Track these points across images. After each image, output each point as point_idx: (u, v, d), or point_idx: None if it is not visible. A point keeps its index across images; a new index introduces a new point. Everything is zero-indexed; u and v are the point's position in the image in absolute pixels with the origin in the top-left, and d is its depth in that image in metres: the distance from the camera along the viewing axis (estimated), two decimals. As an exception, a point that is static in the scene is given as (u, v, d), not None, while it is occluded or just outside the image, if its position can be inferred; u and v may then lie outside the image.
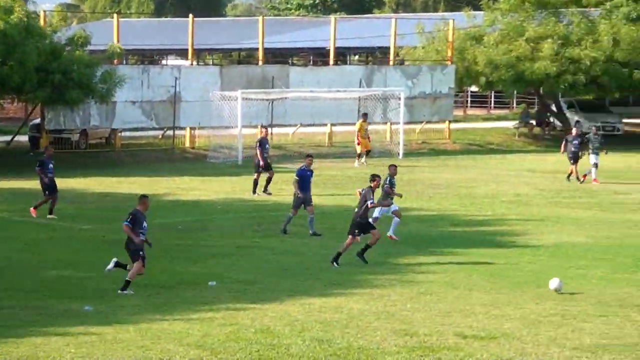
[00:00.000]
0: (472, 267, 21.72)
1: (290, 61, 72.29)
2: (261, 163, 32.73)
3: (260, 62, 49.28)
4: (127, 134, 46.16)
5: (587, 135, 39.24)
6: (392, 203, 24.67)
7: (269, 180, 32.78)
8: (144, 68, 47.05)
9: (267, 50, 51.44)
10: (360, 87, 48.73)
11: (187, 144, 46.08)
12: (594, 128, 39.67)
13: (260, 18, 52.21)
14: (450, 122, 52.97)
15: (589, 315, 17.16)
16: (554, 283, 19.22)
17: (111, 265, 19.53)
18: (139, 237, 18.96)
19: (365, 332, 16.10)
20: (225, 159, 42.39)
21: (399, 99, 47.69)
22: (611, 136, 54.38)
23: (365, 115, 43.70)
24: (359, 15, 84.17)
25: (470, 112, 66.37)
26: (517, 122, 56.50)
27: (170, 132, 45.91)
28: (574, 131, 38.33)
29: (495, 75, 51.81)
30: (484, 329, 16.31)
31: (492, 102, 67.96)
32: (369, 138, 43.39)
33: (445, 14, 73.17)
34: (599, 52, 50.91)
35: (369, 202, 21.93)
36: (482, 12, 56.55)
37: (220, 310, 17.52)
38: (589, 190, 34.63)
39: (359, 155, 42.19)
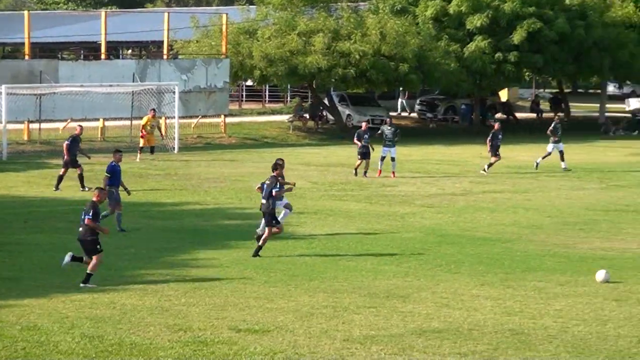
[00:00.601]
0: (247, 260, 21.86)
1: (59, 55, 70.74)
2: (66, 158, 32.06)
3: (26, 57, 47.99)
4: None
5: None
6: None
7: (80, 178, 32.19)
8: None
9: (35, 45, 50.24)
10: (133, 81, 48.20)
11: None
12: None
13: (25, 12, 50.90)
14: (225, 116, 53.12)
15: (359, 307, 17.56)
16: (600, 275, 19.63)
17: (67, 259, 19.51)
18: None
19: (138, 328, 15.97)
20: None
21: (174, 92, 47.50)
22: (378, 129, 55.85)
23: (153, 110, 43.36)
24: (132, 10, 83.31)
25: (246, 106, 66.72)
26: (291, 116, 57.22)
27: None
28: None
29: (269, 69, 52.25)
30: (257, 322, 16.46)
31: (267, 96, 68.53)
32: (162, 134, 43.34)
33: (220, 8, 73.35)
34: (367, 46, 52.12)
35: (274, 191, 22.19)
36: (255, 7, 57.03)
37: (-18, 309, 17.00)
38: (360, 183, 35.46)
39: (141, 149, 41.85)
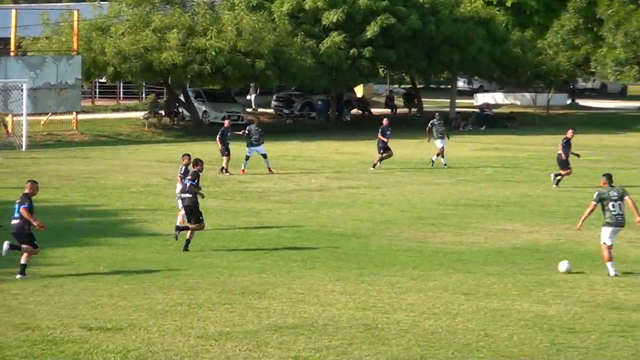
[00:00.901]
0: (100, 258, 21.56)
1: None
2: None
3: None
4: None
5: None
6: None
7: None
8: None
9: None
10: (-23, 79, 47.03)
11: None
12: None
13: None
14: (77, 113, 52.26)
15: (214, 304, 17.50)
16: (563, 266, 20.30)
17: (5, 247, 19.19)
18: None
19: (-18, 328, 15.61)
20: None
21: (22, 90, 46.49)
22: (236, 125, 55.86)
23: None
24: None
25: (99, 103, 65.77)
26: (147, 112, 56.68)
27: None
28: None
29: (123, 65, 51.64)
30: (110, 320, 16.26)
31: (121, 92, 67.70)
32: (7, 132, 42.40)
33: (71, 4, 71.99)
34: (223, 42, 52.00)
35: (189, 183, 22.64)
36: (108, 3, 56.28)
37: None
38: (216, 179, 35.36)
39: None
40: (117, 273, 20.10)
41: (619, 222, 20.30)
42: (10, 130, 45.31)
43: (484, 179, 36.52)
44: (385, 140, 38.90)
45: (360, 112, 66.66)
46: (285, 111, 64.08)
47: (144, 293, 18.31)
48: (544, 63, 67.50)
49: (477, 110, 68.14)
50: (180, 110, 58.48)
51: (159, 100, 59.10)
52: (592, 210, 20.56)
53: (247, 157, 37.20)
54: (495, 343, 15.33)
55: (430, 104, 73.17)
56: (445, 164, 39.49)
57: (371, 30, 56.74)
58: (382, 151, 38.83)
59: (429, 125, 40.93)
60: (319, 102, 64.03)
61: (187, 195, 23.03)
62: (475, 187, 33.97)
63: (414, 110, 69.25)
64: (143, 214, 27.69)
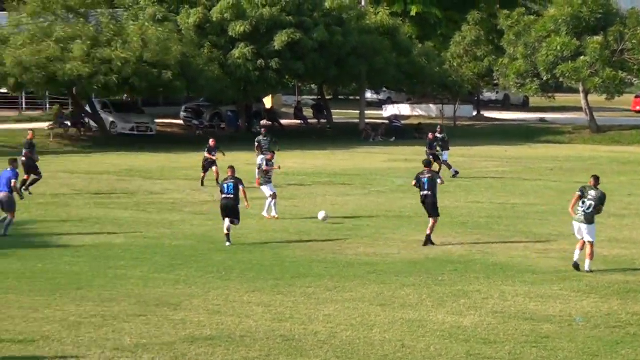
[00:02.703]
0: (8, 270, 21.17)
1: None
2: None
3: None
4: None
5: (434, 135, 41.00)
6: None
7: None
8: None
9: None
10: None
11: None
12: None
13: None
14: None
15: (129, 316, 17.34)
16: (321, 215, 25.51)
17: None
18: None
19: None
20: None
21: None
22: (145, 136, 55.58)
23: None
24: None
25: (2, 113, 64.67)
26: (52, 123, 55.97)
27: None
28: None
29: (25, 76, 50.98)
30: (21, 332, 16.02)
31: (24, 103, 66.73)
32: None
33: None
34: (129, 53, 51.65)
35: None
36: (6, 13, 55.60)
37: None
38: (127, 190, 35.04)
39: None
40: (26, 285, 19.76)
41: (582, 219, 21.92)
42: None
43: (396, 189, 36.80)
44: (431, 152, 40.16)
45: (269, 122, 66.68)
46: (195, 122, 63.80)
47: (56, 305, 18.06)
48: (449, 74, 68.42)
49: (386, 121, 68.68)
50: (87, 121, 57.87)
51: (64, 111, 58.41)
52: (576, 200, 21.99)
53: (259, 166, 36.92)
54: (412, 354, 15.46)
55: (339, 115, 73.51)
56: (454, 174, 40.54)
57: (278, 42, 56.87)
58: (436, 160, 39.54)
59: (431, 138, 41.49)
60: (229, 113, 63.96)
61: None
62: (388, 198, 34.21)
63: (323, 121, 69.53)
64: (52, 226, 27.29)
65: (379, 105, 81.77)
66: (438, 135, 41.96)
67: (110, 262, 22.41)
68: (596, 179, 22.31)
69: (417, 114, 77.71)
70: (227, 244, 24.56)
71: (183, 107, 65.91)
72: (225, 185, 25.33)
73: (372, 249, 24.61)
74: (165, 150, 50.82)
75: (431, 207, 25.31)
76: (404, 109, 78.58)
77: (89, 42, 51.69)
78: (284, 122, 67.71)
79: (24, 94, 64.22)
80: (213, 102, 64.11)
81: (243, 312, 17.80)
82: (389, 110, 77.82)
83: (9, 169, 26.27)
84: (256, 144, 37.67)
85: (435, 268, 22.26)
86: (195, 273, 21.28)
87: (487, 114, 78.29)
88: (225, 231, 24.71)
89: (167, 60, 52.35)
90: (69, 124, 56.46)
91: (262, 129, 41.20)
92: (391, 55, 62.93)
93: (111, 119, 58.04)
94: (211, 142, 37.10)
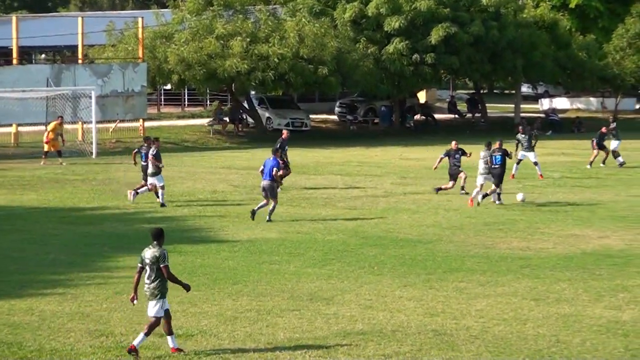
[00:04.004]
0: (169, 264, 21.62)
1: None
2: None
3: (-64, 62, 47.40)
4: None
5: (517, 136, 40.25)
6: None
7: None
8: None
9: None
10: (47, 86, 47.67)
11: None
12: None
13: None
14: (144, 120, 52.76)
15: (282, 310, 17.56)
16: (519, 196, 28.77)
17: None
18: None
19: (58, 334, 15.82)
20: None
21: (90, 97, 47.07)
22: (300, 132, 56.12)
23: (61, 117, 43.89)
24: (44, 14, 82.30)
25: (165, 110, 66.35)
26: (211, 119, 57.04)
27: None
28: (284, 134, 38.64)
29: (187, 73, 52.03)
30: (181, 326, 16.37)
31: (186, 99, 68.21)
32: (63, 140, 43.04)
33: (134, 12, 72.77)
34: (285, 49, 52.12)
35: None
36: (170, 10, 56.81)
37: None
38: (281, 185, 35.37)
39: (46, 154, 41.81)
40: (186, 280, 20.07)
41: None
42: (80, 137, 45.88)
43: (551, 184, 36.23)
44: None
45: (423, 117, 66.47)
46: (349, 117, 64.07)
47: (213, 300, 18.42)
48: (610, 67, 66.83)
49: (542, 115, 67.59)
50: (244, 117, 58.74)
51: (222, 107, 59.43)
52: None
53: (519, 162, 37.96)
54: (567, 349, 15.22)
55: (494, 109, 72.77)
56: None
57: (434, 37, 56.56)
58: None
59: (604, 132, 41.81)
60: (382, 108, 63.96)
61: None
62: (542, 192, 33.70)
63: (477, 115, 68.90)
64: (210, 221, 27.85)
65: (535, 98, 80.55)
66: (611, 126, 41.98)
67: (264, 257, 22.73)
68: None
69: (575, 107, 76.24)
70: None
71: (337, 103, 66.24)
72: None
73: (525, 244, 24.30)
74: (319, 145, 51.20)
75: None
76: (561, 103, 77.19)
77: (247, 39, 52.37)
78: (437, 116, 67.37)
79: (186, 91, 65.62)
80: (367, 97, 64.23)
81: (395, 307, 17.82)
82: (546, 104, 76.59)
83: (271, 158, 27.83)
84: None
85: (592, 262, 21.85)
86: (348, 267, 21.40)
87: (652, 107, 76.25)
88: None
89: (322, 56, 52.67)
90: (228, 120, 57.40)
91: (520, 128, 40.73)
92: (549, 49, 61.87)
93: (267, 115, 58.78)
94: None
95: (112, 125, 52.10)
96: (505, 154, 30.89)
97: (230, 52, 51.78)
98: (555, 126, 63.16)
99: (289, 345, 15.37)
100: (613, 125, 42.70)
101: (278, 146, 32.26)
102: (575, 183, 36.50)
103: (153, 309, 14.86)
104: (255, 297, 18.57)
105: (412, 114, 65.17)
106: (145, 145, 31.77)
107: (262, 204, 27.85)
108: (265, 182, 27.61)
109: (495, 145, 31.04)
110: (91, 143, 45.98)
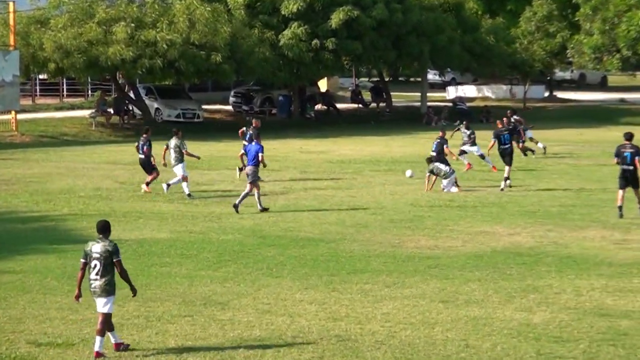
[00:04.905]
0: (47, 268, 21.42)
1: None
2: None
3: None
4: None
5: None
6: None
7: None
8: None
9: None
10: None
11: None
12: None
13: None
14: (16, 112, 51.92)
15: (173, 316, 17.44)
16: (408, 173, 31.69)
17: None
18: None
19: None
20: None
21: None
22: (191, 124, 55.87)
23: None
24: None
25: (41, 101, 65.43)
26: (93, 111, 56.43)
27: None
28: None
29: (66, 61, 51.37)
30: (60, 335, 16.20)
31: (65, 90, 67.37)
32: None
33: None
34: (175, 34, 51.82)
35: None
36: (46, -6, 56.03)
37: None
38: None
39: None
40: (65, 284, 19.95)
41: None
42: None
43: (460, 178, 36.63)
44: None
45: (324, 107, 66.72)
46: (245, 107, 64.02)
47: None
48: (518, 52, 67.91)
49: (450, 104, 68.36)
50: (130, 108, 58.25)
51: (106, 98, 58.85)
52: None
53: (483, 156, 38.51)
54: (477, 354, 15.39)
55: (399, 97, 73.40)
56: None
57: (335, 21, 56.78)
58: None
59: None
60: (280, 98, 64.06)
61: None
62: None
63: (382, 105, 69.42)
64: (93, 220, 27.42)
65: (442, 87, 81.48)
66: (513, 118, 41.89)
67: (154, 258, 22.55)
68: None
69: (483, 95, 77.31)
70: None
71: (232, 92, 66.15)
72: None
73: (433, 242, 24.54)
74: (213, 138, 51.05)
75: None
76: (469, 91, 78.23)
77: (132, 24, 51.91)
78: (340, 106, 67.72)
79: (64, 80, 64.78)
80: (264, 85, 64.22)
81: (295, 311, 17.83)
82: (453, 92, 77.49)
83: (254, 143, 29.51)
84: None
85: (502, 261, 22.15)
86: (244, 269, 21.36)
87: (561, 94, 77.72)
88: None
89: (215, 42, 52.50)
90: (112, 111, 56.84)
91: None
92: (456, 33, 62.63)
93: (156, 106, 58.41)
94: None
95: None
96: (513, 132, 36.60)
97: (113, 39, 51.29)
98: (464, 116, 63.93)
99: (181, 353, 15.27)
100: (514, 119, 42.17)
101: (257, 133, 32.56)
102: (484, 177, 36.98)
103: (105, 306, 15.19)
104: (143, 303, 18.40)
105: (313, 104, 65.42)
106: (144, 136, 33.06)
107: (244, 193, 28.77)
108: (249, 168, 28.89)
109: (500, 125, 35.19)
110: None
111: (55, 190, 33.13)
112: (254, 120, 35.53)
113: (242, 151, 32.34)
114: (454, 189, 32.57)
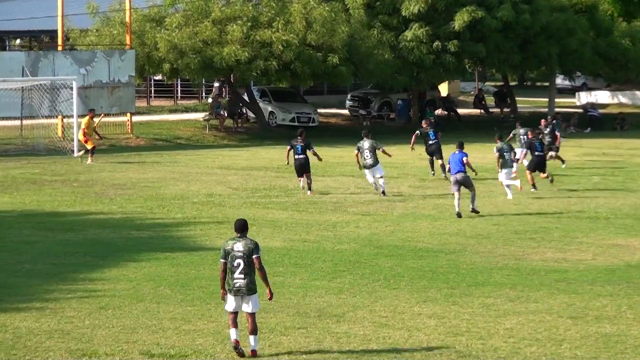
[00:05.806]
0: (160, 276, 21.75)
1: None
2: None
3: None
4: None
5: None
6: None
7: None
8: None
9: None
10: (23, 76, 47.71)
11: None
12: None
13: None
14: (132, 114, 52.80)
15: (287, 328, 17.55)
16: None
17: None
18: None
19: (35, 353, 15.85)
20: None
21: (71, 88, 47.07)
22: (306, 128, 56.08)
23: (91, 110, 43.83)
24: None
25: (155, 103, 66.45)
26: (207, 113, 57.06)
27: None
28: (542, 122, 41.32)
29: (180, 62, 51.97)
30: (173, 346, 16.40)
31: (179, 91, 68.30)
32: (98, 135, 43.50)
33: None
34: (291, 34, 52.02)
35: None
36: (161, -9, 56.78)
37: None
38: (286, 189, 35.48)
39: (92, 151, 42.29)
40: (179, 293, 20.25)
41: None
42: (60, 133, 46.05)
43: (591, 187, 36.23)
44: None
45: (445, 112, 66.49)
46: (362, 112, 64.11)
47: (210, 316, 18.42)
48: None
49: (580, 110, 67.57)
50: (244, 111, 58.77)
51: (220, 100, 59.47)
52: None
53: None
54: (607, 373, 15.22)
55: (525, 103, 72.76)
56: None
57: (458, 23, 56.51)
58: None
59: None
60: (399, 102, 64.00)
61: None
62: (580, 198, 33.69)
63: (506, 110, 68.91)
64: (206, 227, 27.88)
65: (571, 92, 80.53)
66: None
67: (267, 267, 22.52)
68: None
69: (618, 101, 76.20)
70: None
71: (349, 96, 66.30)
72: None
73: (561, 255, 24.31)
74: (328, 143, 51.17)
75: None
76: (602, 97, 77.18)
77: (248, 23, 52.29)
78: (461, 111, 67.39)
79: (179, 82, 65.61)
80: (382, 89, 64.24)
81: (413, 325, 17.82)
82: (584, 98, 76.55)
83: (457, 152, 30.43)
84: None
85: (637, 276, 21.87)
86: (360, 281, 21.40)
87: None
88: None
89: (332, 42, 52.61)
90: (226, 114, 57.42)
91: None
92: (588, 36, 61.83)
93: (270, 109, 58.83)
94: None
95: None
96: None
97: (228, 39, 51.75)
98: (595, 123, 63.15)
99: (295, 367, 15.41)
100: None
101: (460, 143, 32.72)
102: (618, 187, 36.50)
103: (251, 304, 16.05)
104: (257, 313, 18.54)
105: (433, 109, 65.19)
106: (299, 138, 34.09)
107: (472, 195, 30.24)
108: (459, 175, 30.15)
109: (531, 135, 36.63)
110: (72, 140, 46.00)
111: (169, 195, 33.63)
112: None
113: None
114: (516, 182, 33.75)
